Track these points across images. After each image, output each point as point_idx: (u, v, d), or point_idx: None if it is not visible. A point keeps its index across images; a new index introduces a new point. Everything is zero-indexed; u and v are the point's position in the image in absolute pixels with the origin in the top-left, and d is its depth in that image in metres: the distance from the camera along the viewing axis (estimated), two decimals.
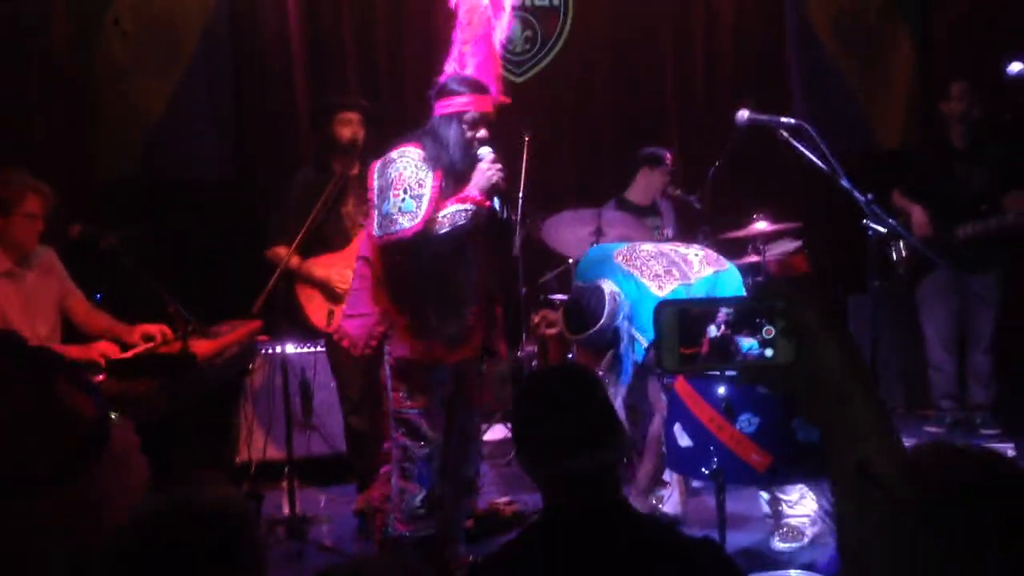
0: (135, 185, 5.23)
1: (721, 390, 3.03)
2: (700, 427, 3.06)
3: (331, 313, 3.98)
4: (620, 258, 3.69)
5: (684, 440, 3.13)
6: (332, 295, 4.04)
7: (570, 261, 4.83)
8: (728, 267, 3.77)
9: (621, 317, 3.52)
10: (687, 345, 0.97)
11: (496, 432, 5.20)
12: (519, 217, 4.35)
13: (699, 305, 0.99)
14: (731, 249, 4.62)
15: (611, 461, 1.74)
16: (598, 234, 4.60)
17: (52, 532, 1.31)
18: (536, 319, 4.69)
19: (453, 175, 3.15)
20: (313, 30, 5.62)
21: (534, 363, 5.03)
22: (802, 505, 3.63)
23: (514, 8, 3.48)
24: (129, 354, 3.23)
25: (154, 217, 5.03)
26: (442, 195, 3.12)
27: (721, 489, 3.03)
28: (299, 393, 4.59)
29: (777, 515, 3.66)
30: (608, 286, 3.54)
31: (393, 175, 3.08)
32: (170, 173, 5.33)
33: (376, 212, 3.11)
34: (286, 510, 3.99)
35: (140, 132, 5.27)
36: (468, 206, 3.10)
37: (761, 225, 4.76)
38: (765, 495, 3.70)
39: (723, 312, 0.97)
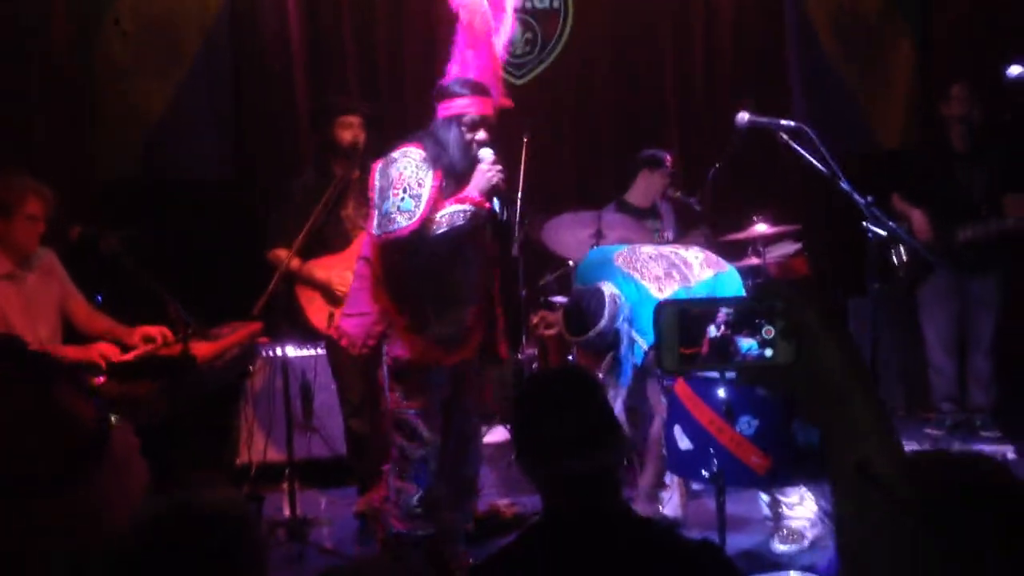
0: (135, 185, 5.22)
1: (721, 392, 3.04)
2: (700, 429, 3.06)
3: (331, 315, 3.98)
4: (620, 260, 3.70)
5: (684, 442, 3.13)
6: (332, 297, 4.04)
7: (570, 263, 4.83)
8: (728, 269, 3.78)
9: (621, 319, 3.52)
10: (687, 345, 0.97)
11: (497, 434, 5.20)
12: (518, 218, 4.35)
13: (699, 305, 0.99)
14: (731, 251, 4.62)
15: (611, 463, 1.74)
16: (598, 236, 4.61)
17: (52, 533, 1.31)
18: (535, 320, 4.69)
19: (453, 176, 3.17)
20: (313, 30, 5.62)
21: (534, 365, 5.03)
22: (802, 507, 3.63)
23: (515, 10, 3.49)
24: (129, 356, 3.24)
25: (154, 217, 5.02)
26: (442, 195, 3.14)
27: (721, 491, 3.03)
28: (300, 395, 4.59)
29: (777, 517, 3.66)
30: (608, 288, 3.54)
31: (394, 175, 3.11)
32: (170, 173, 5.32)
33: (376, 211, 3.15)
34: (287, 512, 4.00)
35: (140, 132, 5.27)
36: (467, 207, 3.12)
37: (761, 227, 4.76)
38: (765, 497, 3.70)
39: (723, 312, 0.98)
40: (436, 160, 3.14)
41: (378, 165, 3.22)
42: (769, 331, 0.96)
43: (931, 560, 0.90)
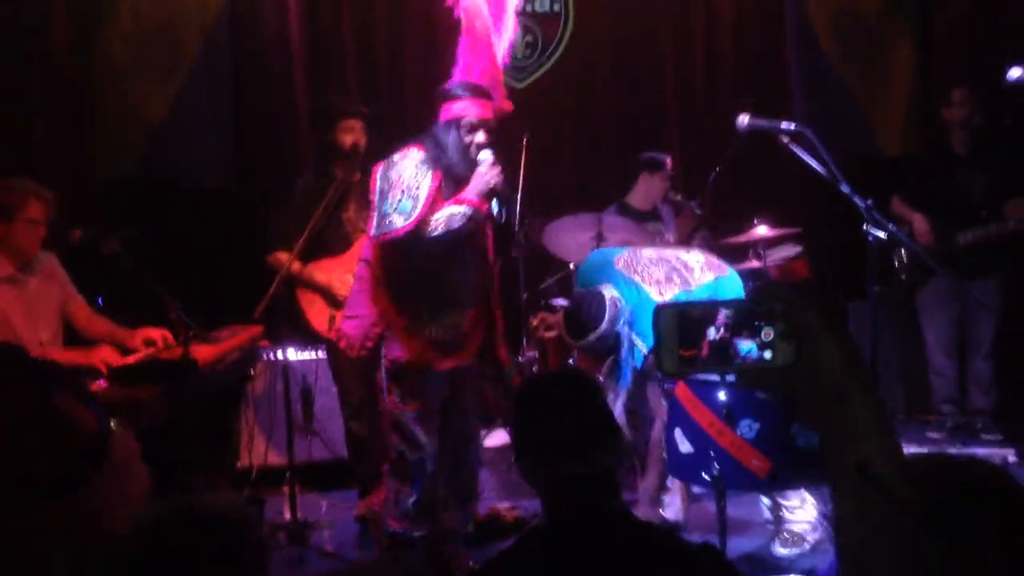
0: (135, 185, 5.21)
1: (721, 395, 3.04)
2: (700, 432, 3.06)
3: (332, 318, 3.99)
4: (621, 264, 3.70)
5: (684, 446, 3.13)
6: (333, 300, 4.05)
7: (571, 266, 4.83)
8: (729, 272, 3.78)
9: (622, 323, 3.53)
10: (686, 348, 0.97)
11: (497, 438, 5.20)
12: (518, 220, 4.36)
13: (698, 308, 1.00)
14: (731, 254, 4.62)
15: (610, 464, 1.75)
16: (599, 239, 4.61)
17: (53, 534, 1.31)
18: (535, 322, 4.70)
19: (452, 177, 3.19)
20: (313, 30, 5.62)
21: (535, 368, 5.03)
22: (803, 511, 3.62)
23: (517, 15, 3.50)
24: (131, 360, 3.24)
25: (154, 218, 5.01)
26: (441, 196, 3.16)
27: (721, 495, 3.03)
28: (300, 398, 4.59)
29: (778, 520, 3.66)
30: (609, 292, 3.54)
31: (394, 177, 3.15)
32: (170, 173, 5.30)
33: (376, 212, 3.18)
34: (287, 516, 3.99)
35: (140, 133, 5.25)
36: (464, 209, 3.13)
37: (762, 230, 4.77)
38: (766, 500, 3.70)
39: (722, 315, 0.98)
40: (436, 161, 3.16)
41: (379, 167, 3.25)
42: (768, 333, 0.97)
43: (931, 560, 0.90)
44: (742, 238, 4.83)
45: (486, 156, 3.16)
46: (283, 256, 4.06)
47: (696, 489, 4.01)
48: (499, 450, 5.05)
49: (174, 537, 1.19)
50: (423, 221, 3.10)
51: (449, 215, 3.12)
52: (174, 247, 4.95)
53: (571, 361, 4.41)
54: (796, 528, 3.61)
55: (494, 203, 3.16)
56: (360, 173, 4.05)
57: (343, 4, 5.66)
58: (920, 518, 0.91)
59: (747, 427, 2.98)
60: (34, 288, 3.44)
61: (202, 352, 3.18)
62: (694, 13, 6.17)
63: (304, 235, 3.98)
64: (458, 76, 3.38)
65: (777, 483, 3.21)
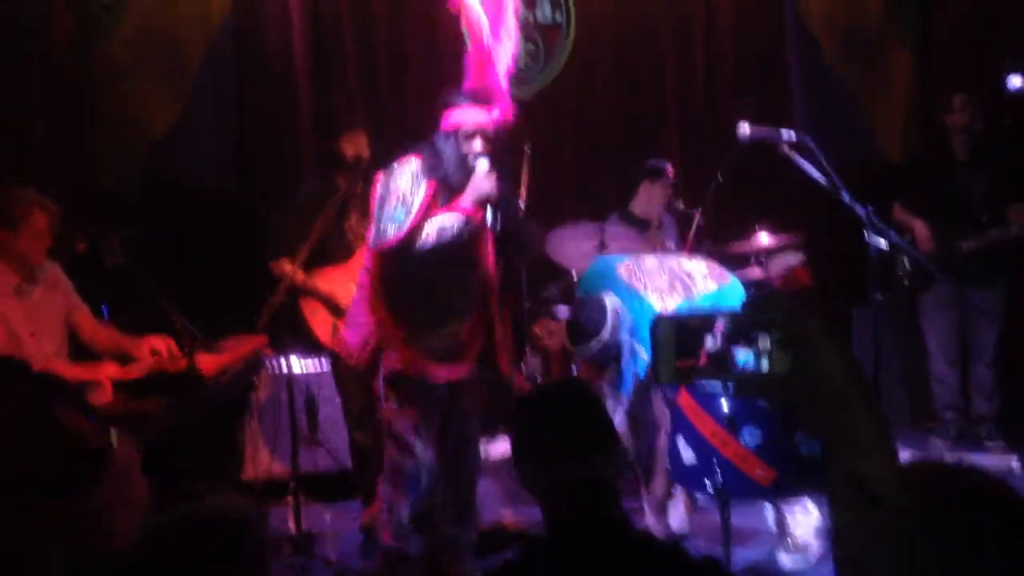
0: (135, 185, 5.20)
1: (724, 404, 3.04)
2: (703, 441, 3.06)
3: (335, 327, 4.00)
4: (623, 272, 3.71)
5: (687, 454, 3.13)
6: (336, 310, 4.06)
7: (573, 274, 4.84)
8: (731, 281, 3.78)
9: (623, 331, 3.53)
10: (684, 357, 0.98)
11: (501, 447, 5.19)
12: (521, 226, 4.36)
13: (696, 318, 1.00)
14: (733, 262, 4.62)
15: (610, 472, 1.77)
16: (601, 248, 4.62)
17: (53, 534, 1.33)
18: (536, 329, 4.71)
19: (448, 187, 3.19)
20: (316, 34, 5.63)
21: (538, 377, 5.03)
22: (808, 519, 3.62)
23: (520, 26, 3.51)
24: (135, 373, 3.25)
25: (154, 219, 5.00)
26: (436, 204, 3.17)
27: (725, 506, 3.03)
28: (304, 408, 4.59)
29: (783, 529, 3.65)
30: (611, 300, 3.55)
31: (392, 186, 3.18)
32: (170, 174, 5.29)
33: (374, 222, 3.20)
34: (292, 526, 3.99)
35: (140, 132, 5.25)
36: (456, 218, 3.13)
37: (763, 237, 4.77)
38: (771, 509, 3.69)
39: (720, 324, 0.99)
40: (431, 170, 3.18)
41: (380, 176, 3.27)
42: (765, 342, 0.97)
43: (929, 566, 0.91)
44: (744, 246, 4.83)
45: (482, 164, 3.17)
46: (287, 265, 4.08)
47: (700, 498, 4.01)
48: (503, 458, 5.05)
49: (174, 537, 1.20)
50: (415, 231, 3.12)
51: (440, 226, 3.13)
52: (174, 248, 4.94)
53: (573, 369, 4.42)
54: (801, 537, 3.61)
55: (488, 211, 3.15)
56: (363, 183, 4.07)
57: (343, 5, 5.68)
58: (918, 524, 0.92)
59: (750, 435, 2.98)
60: (39, 298, 3.45)
61: (207, 363, 3.19)
62: (694, 13, 6.19)
63: (307, 246, 4.00)
64: (462, 84, 3.39)
65: (781, 492, 3.21)
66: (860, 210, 3.32)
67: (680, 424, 3.20)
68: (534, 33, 5.98)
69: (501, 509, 4.35)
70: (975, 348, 5.03)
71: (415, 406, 3.24)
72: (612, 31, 6.09)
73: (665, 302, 3.58)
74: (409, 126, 3.39)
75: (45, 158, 4.81)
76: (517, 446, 1.87)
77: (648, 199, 5.07)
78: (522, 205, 4.45)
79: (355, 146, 4.18)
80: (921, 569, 0.91)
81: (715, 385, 3.02)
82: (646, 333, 3.49)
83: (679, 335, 0.99)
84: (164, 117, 5.31)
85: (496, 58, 3.34)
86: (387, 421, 3.30)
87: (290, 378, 4.24)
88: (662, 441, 3.75)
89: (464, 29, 3.43)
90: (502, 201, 3.17)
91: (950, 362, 5.06)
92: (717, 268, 3.84)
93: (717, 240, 5.01)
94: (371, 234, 3.25)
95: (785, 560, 3.59)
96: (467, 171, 3.18)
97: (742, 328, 0.98)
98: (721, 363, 0.99)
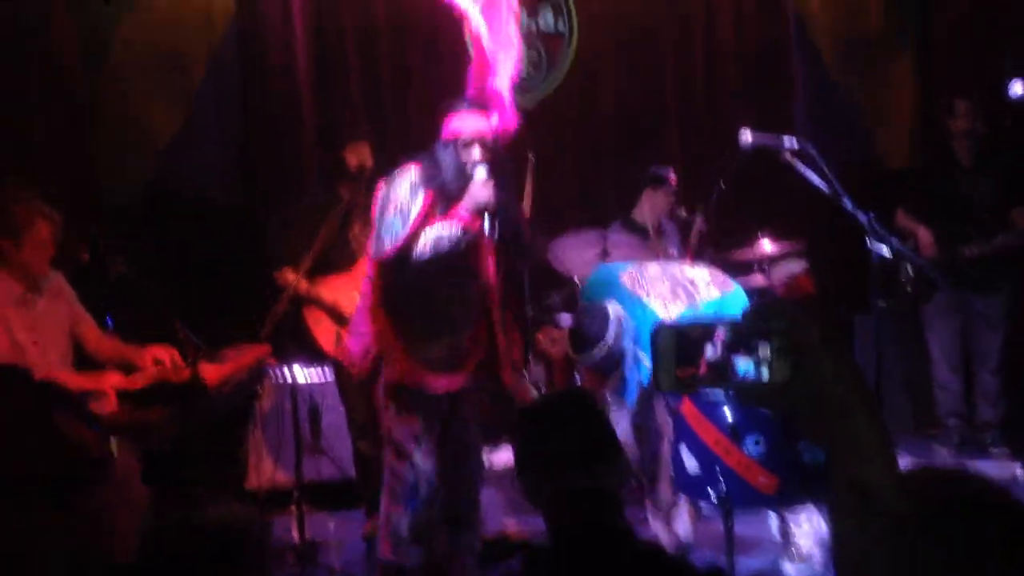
0: (138, 196, 5.22)
1: (727, 412, 3.03)
2: (706, 450, 3.06)
3: (339, 336, 4.01)
4: (626, 279, 3.71)
5: (691, 462, 3.12)
6: (340, 318, 4.07)
7: (576, 282, 4.84)
8: (734, 288, 3.78)
9: (627, 339, 3.53)
10: (684, 366, 0.98)
11: (504, 456, 5.19)
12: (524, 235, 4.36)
13: (696, 327, 1.01)
14: (736, 269, 4.62)
15: (613, 482, 1.76)
16: (604, 256, 4.62)
17: (53, 534, 1.33)
18: (540, 337, 4.71)
19: (446, 195, 3.19)
20: (319, 46, 5.64)
21: (542, 386, 5.03)
22: (811, 528, 3.61)
23: (522, 35, 3.52)
24: (139, 383, 3.25)
25: (158, 229, 5.02)
26: (434, 213, 3.17)
27: (728, 515, 3.02)
28: (308, 417, 4.59)
29: (787, 538, 3.64)
30: (614, 307, 3.55)
31: (392, 196, 3.18)
32: (173, 185, 5.29)
33: (375, 231, 3.21)
34: (295, 535, 3.99)
35: (142, 135, 5.26)
36: (453, 227, 3.13)
37: (766, 244, 4.77)
38: (775, 518, 3.69)
39: (720, 333, 0.99)
40: (429, 180, 3.18)
41: (381, 186, 3.28)
42: (765, 351, 0.98)
43: (931, 571, 0.91)
44: (747, 253, 4.83)
45: (480, 173, 3.17)
46: (290, 275, 4.09)
47: (704, 506, 4.00)
48: (506, 469, 5.05)
49: (175, 545, 1.20)
50: (411, 241, 3.12)
51: (436, 236, 3.13)
52: (178, 258, 4.94)
53: (577, 377, 4.42)
54: (805, 546, 3.60)
55: (486, 220, 3.15)
56: (365, 192, 4.08)
57: (346, 16, 5.69)
58: (919, 531, 0.92)
59: (753, 444, 2.98)
60: (43, 309, 3.45)
61: (210, 373, 3.20)
62: (694, 13, 6.20)
63: (311, 256, 4.01)
64: (465, 94, 3.40)
65: (784, 500, 3.20)
66: (862, 217, 3.32)
67: (683, 433, 3.20)
68: (536, 42, 6.00)
69: (504, 519, 4.34)
70: (979, 355, 5.02)
71: (414, 416, 3.24)
72: (614, 39, 6.11)
73: (668, 310, 3.58)
74: (412, 138, 3.39)
75: (45, 158, 4.80)
76: (520, 457, 1.87)
77: (651, 207, 5.08)
78: (526, 213, 4.46)
79: (358, 156, 4.20)
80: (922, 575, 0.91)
81: (718, 393, 3.02)
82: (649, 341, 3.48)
83: (679, 344, 0.99)
84: (167, 127, 5.33)
85: (498, 66, 3.34)
86: (386, 428, 3.30)
87: (294, 387, 4.24)
88: (665, 449, 3.75)
89: (467, 37, 3.44)
90: (500, 209, 3.16)
91: (953, 369, 5.05)
92: (720, 275, 3.84)
93: (720, 248, 5.02)
94: (371, 244, 3.26)
95: (789, 569, 3.58)
96: (465, 179, 3.17)
97: (742, 337, 0.98)
98: (721, 372, 0.99)
